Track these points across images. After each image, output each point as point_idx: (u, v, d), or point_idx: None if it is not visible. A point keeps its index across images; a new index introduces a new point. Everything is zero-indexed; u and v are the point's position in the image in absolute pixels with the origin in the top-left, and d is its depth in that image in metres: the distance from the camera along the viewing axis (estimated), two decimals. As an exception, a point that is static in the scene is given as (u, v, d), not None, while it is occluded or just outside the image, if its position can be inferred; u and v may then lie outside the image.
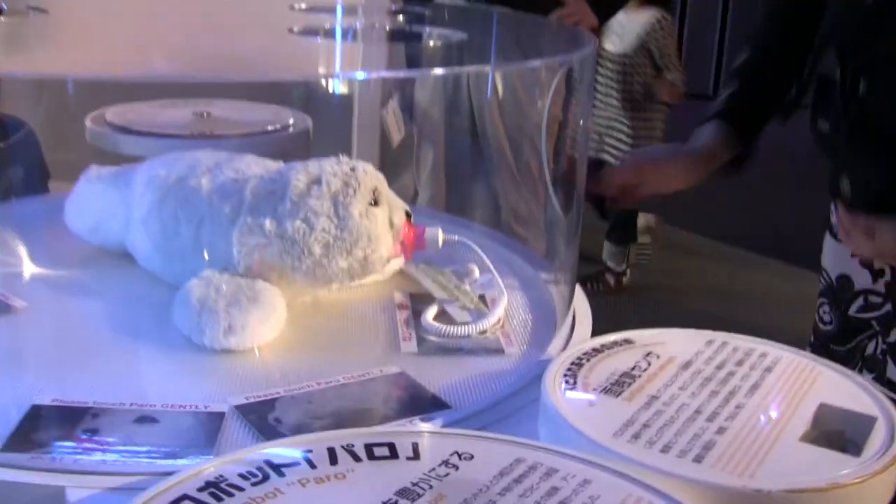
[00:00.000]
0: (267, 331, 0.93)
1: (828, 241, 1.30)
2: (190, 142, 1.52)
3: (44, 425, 0.79)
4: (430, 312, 1.01)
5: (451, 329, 0.97)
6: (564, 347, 0.95)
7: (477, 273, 1.11)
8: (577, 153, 1.09)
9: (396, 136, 1.77)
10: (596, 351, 0.84)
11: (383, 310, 1.05)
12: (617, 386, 0.78)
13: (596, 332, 0.97)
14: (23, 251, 1.16)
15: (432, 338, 0.97)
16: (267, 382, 0.87)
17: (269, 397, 0.84)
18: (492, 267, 1.07)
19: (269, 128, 1.61)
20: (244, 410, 0.81)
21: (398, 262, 1.06)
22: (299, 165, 0.98)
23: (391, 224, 0.98)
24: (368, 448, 0.67)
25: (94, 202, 1.13)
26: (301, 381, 0.86)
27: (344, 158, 0.99)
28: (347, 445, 0.67)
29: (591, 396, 0.76)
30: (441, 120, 2.55)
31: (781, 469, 0.67)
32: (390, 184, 1.02)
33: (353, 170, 0.97)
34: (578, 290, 1.08)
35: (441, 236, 1.02)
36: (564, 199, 1.11)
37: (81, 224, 1.14)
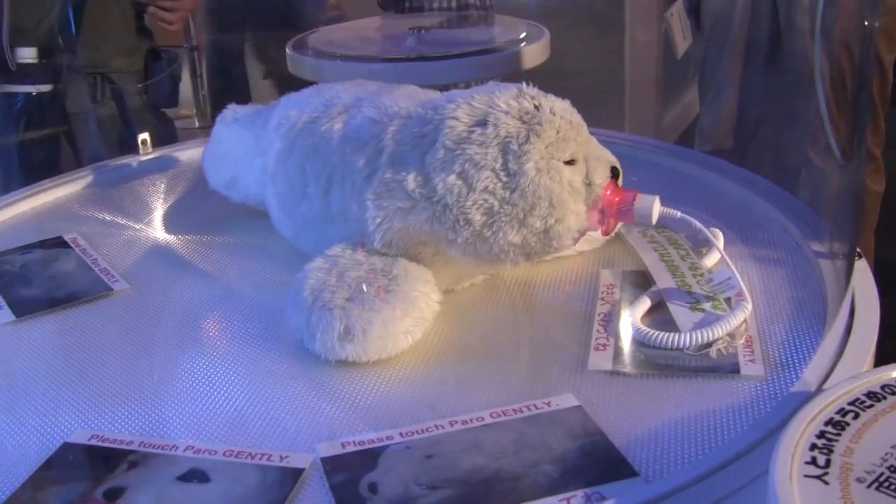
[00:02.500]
0: (399, 336, 0.67)
1: None
2: (393, 66, 1.26)
3: (60, 477, 0.57)
4: (641, 306, 0.71)
5: (664, 338, 0.67)
6: (832, 368, 0.62)
7: (721, 244, 0.79)
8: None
9: (682, 44, 1.43)
10: (871, 398, 0.51)
11: (580, 297, 0.75)
12: (903, 476, 0.46)
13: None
14: (156, 213, 0.96)
15: (635, 348, 0.67)
16: (381, 417, 0.61)
17: (374, 445, 0.58)
18: (729, 262, 0.73)
19: (495, 44, 1.32)
20: (333, 467, 0.56)
21: (596, 236, 0.76)
22: (462, 97, 0.70)
23: (588, 185, 0.69)
24: None
25: (229, 150, 0.90)
26: (428, 419, 0.60)
27: (529, 89, 0.70)
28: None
29: (851, 497, 0.44)
30: (734, 25, 2.12)
31: None
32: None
33: (537, 107, 0.68)
34: (861, 267, 0.73)
35: (657, 207, 0.70)
36: (846, 134, 0.76)
37: (217, 177, 0.92)
